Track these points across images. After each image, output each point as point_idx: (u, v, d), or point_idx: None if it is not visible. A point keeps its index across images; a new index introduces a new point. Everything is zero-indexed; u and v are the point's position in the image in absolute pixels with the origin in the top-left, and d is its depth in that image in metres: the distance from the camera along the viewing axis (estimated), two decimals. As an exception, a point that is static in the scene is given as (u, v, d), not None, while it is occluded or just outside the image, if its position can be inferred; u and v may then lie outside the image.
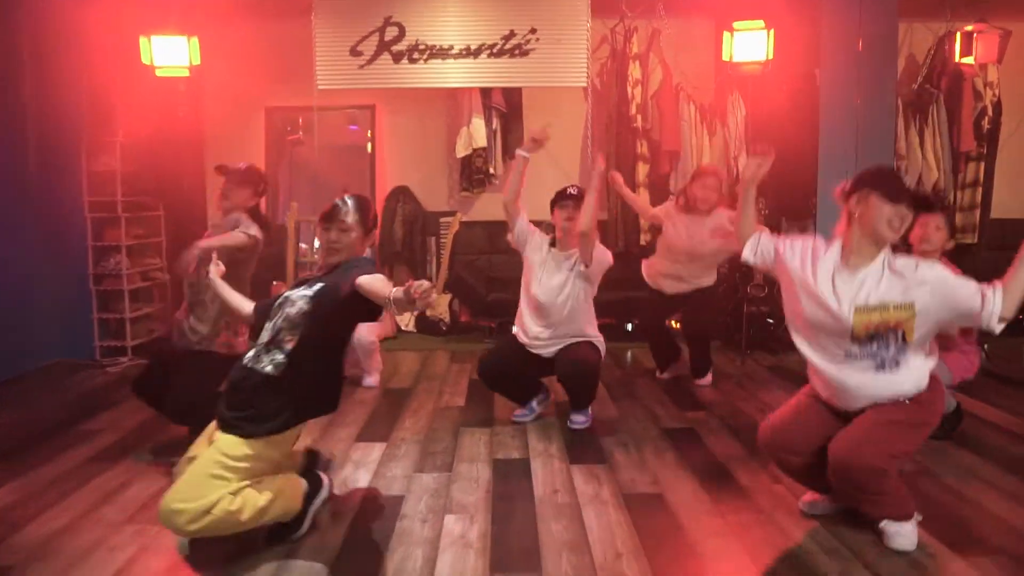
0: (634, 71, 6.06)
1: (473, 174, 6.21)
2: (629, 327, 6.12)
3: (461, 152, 6.14)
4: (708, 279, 4.72)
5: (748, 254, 2.78)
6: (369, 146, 8.08)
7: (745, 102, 6.07)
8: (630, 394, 4.53)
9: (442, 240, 6.49)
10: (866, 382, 2.51)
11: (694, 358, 4.77)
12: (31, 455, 3.52)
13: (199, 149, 6.32)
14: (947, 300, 2.40)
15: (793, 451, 2.68)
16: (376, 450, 3.56)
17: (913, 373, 2.52)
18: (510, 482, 3.17)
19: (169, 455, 3.50)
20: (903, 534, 2.52)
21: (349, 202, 2.71)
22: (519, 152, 3.87)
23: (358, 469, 3.32)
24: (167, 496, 2.35)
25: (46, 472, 3.32)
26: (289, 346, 2.52)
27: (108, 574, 2.40)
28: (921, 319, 2.43)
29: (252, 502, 2.42)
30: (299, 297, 2.59)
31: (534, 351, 3.90)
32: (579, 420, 3.88)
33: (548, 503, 2.94)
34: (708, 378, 4.74)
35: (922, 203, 2.71)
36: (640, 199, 5.44)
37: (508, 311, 4.50)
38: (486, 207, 6.42)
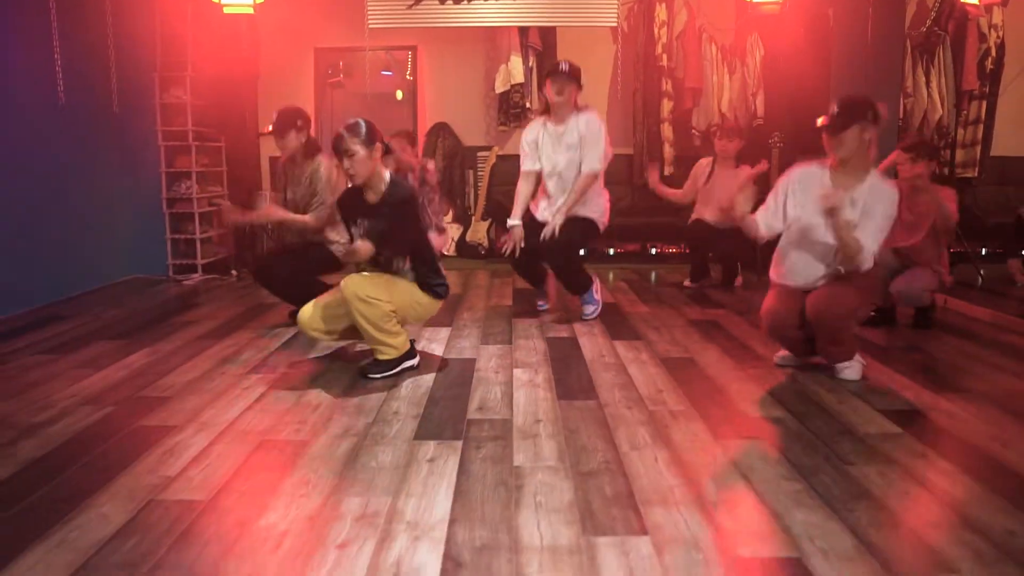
0: (660, 13, 6.51)
1: (511, 108, 6.70)
2: (653, 251, 6.67)
3: (500, 88, 6.62)
4: None
5: (764, 233, 3.35)
6: (399, 93, 8.58)
7: (763, 43, 6.52)
8: (657, 299, 5.09)
9: (479, 173, 7.00)
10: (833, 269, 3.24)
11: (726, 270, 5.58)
12: (148, 336, 4.11)
13: (255, 87, 6.82)
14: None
15: (787, 326, 3.30)
16: (443, 332, 4.14)
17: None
18: (563, 350, 3.74)
19: (265, 333, 4.11)
20: (851, 367, 3.25)
21: (343, 131, 3.24)
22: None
23: (431, 343, 3.90)
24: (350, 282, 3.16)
25: (167, 346, 3.91)
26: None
27: (246, 404, 2.99)
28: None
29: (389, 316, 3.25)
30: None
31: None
32: (587, 311, 4.39)
33: (597, 363, 3.51)
34: (739, 280, 5.55)
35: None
36: (676, 192, 5.71)
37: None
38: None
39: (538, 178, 4.41)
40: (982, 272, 5.94)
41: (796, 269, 3.29)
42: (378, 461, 2.41)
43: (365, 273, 3.31)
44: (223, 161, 6.57)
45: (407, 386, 3.19)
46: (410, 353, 3.40)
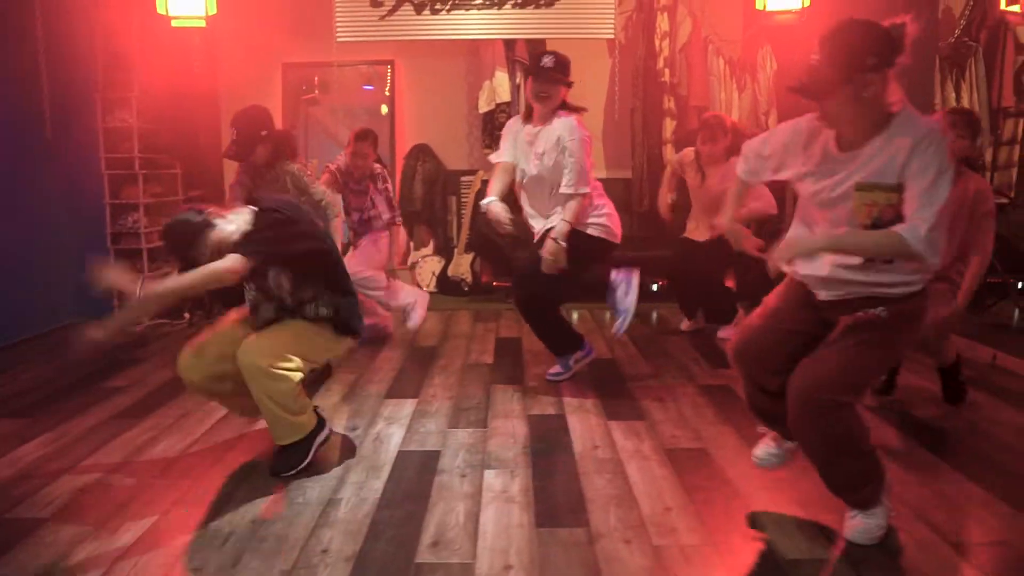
0: (662, 23, 5.88)
1: (495, 130, 6.04)
2: (654, 287, 6.01)
3: (484, 107, 5.99)
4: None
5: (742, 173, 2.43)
6: (384, 108, 7.97)
7: (776, 56, 5.89)
8: (662, 352, 4.44)
9: (463, 199, 6.36)
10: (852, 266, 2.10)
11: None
12: (59, 411, 3.46)
13: (215, 105, 6.20)
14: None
15: (765, 363, 2.27)
16: (407, 406, 3.48)
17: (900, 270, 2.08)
18: (548, 437, 3.09)
19: (195, 409, 3.46)
20: (865, 524, 2.18)
21: None
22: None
23: (391, 425, 3.24)
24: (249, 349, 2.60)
25: (75, 428, 3.26)
26: None
27: (136, 535, 2.33)
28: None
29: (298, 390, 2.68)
30: None
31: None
32: (552, 371, 3.81)
33: (589, 458, 2.85)
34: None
35: None
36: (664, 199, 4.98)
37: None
38: (508, 165, 6.29)
39: (514, 174, 3.75)
40: (1020, 308, 5.32)
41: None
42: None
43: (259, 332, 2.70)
44: (179, 189, 5.93)
45: (348, 499, 2.52)
46: (319, 425, 2.80)
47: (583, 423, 3.24)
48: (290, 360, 2.63)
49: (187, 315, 5.55)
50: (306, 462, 2.73)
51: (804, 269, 2.19)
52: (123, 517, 2.42)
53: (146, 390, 3.81)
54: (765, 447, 2.48)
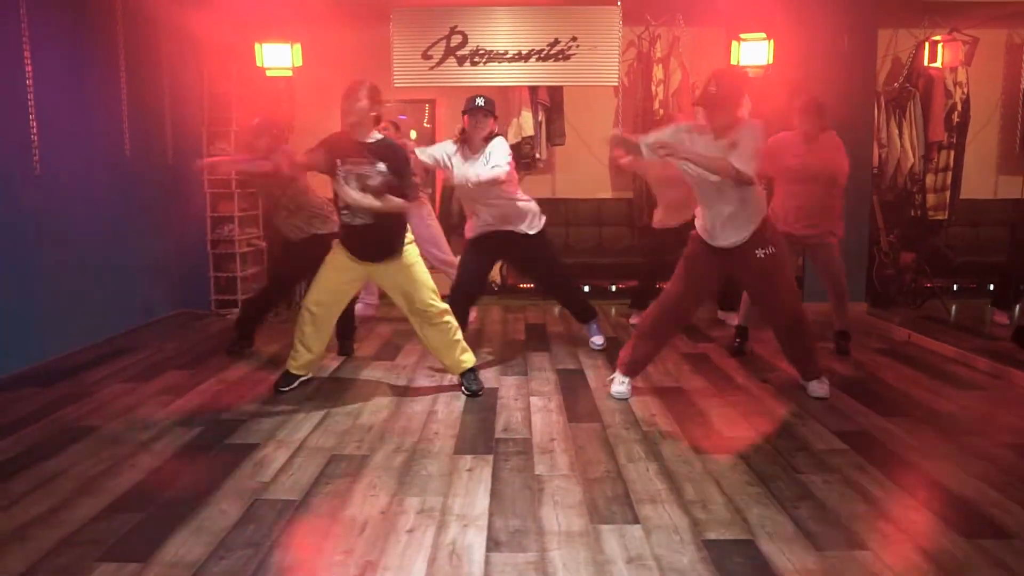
0: (657, 72, 7.22)
1: (521, 158, 7.39)
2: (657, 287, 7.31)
3: (512, 139, 7.31)
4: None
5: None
6: (413, 133, 9.31)
7: (751, 99, 7.21)
8: (654, 333, 5.73)
9: (493, 214, 7.66)
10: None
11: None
12: (211, 367, 4.75)
13: (289, 137, 7.51)
14: None
15: (681, 320, 4.21)
16: (467, 363, 4.78)
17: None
18: (571, 381, 4.38)
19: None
20: (822, 384, 4.01)
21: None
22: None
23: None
24: None
25: (230, 375, 4.55)
26: None
27: (311, 426, 3.62)
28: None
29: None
30: None
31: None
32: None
33: (601, 392, 4.15)
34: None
35: None
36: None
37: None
38: (531, 187, 7.57)
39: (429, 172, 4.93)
40: (954, 307, 6.59)
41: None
42: (428, 470, 3.05)
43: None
44: (259, 205, 7.24)
45: (442, 410, 3.83)
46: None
47: (596, 373, 4.54)
48: (435, 297, 4.06)
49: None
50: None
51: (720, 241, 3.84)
52: (297, 419, 3.71)
53: (268, 355, 5.09)
54: (621, 384, 4.04)
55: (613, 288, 7.39)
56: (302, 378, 4.21)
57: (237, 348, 5.13)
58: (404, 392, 4.18)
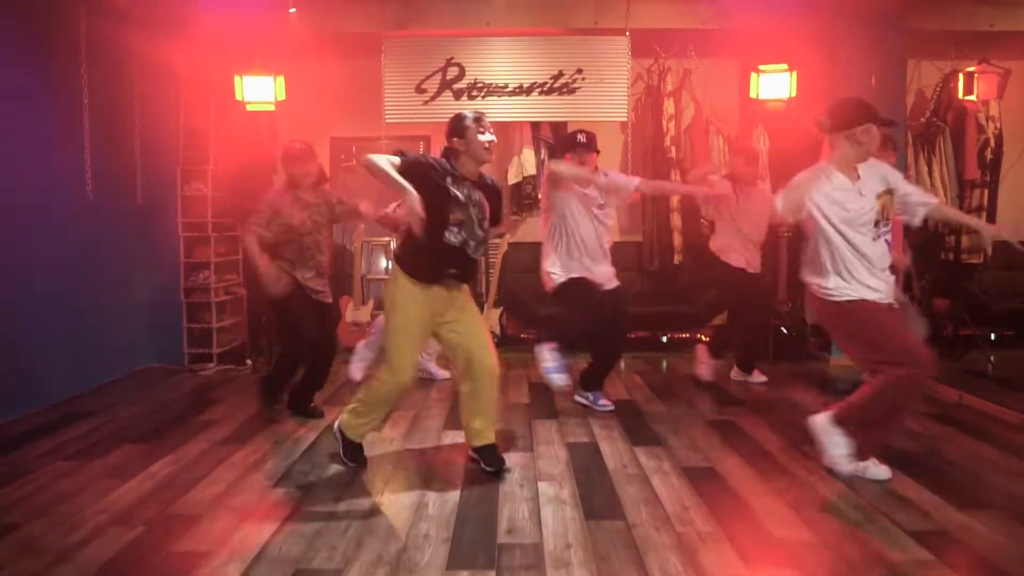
0: (668, 107, 6.72)
1: (523, 199, 6.86)
2: (664, 338, 6.74)
3: (512, 179, 6.79)
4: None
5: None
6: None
7: (769, 135, 6.71)
8: (672, 394, 5.13)
9: (491, 259, 7.11)
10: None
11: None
12: (170, 439, 4.14)
13: (270, 175, 6.99)
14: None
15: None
16: (462, 436, 4.16)
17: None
18: (584, 458, 3.77)
19: (284, 439, 4.14)
20: (879, 466, 3.42)
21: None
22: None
23: (454, 447, 3.93)
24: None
25: (190, 451, 3.94)
26: None
27: (275, 525, 3.01)
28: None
29: None
30: None
31: None
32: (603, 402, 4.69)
33: (620, 474, 3.54)
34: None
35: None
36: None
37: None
38: (533, 229, 7.05)
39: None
40: (992, 359, 6.01)
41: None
42: (414, 596, 2.43)
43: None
44: (239, 249, 6.68)
45: (434, 503, 3.21)
46: None
47: (612, 447, 3.93)
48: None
49: (249, 361, 6.25)
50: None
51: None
52: (260, 514, 3.10)
53: (237, 423, 4.48)
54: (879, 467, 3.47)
55: (623, 339, 6.80)
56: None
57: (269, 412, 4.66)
58: (390, 475, 3.57)
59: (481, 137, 3.38)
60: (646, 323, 6.71)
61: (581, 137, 4.57)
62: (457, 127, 3.42)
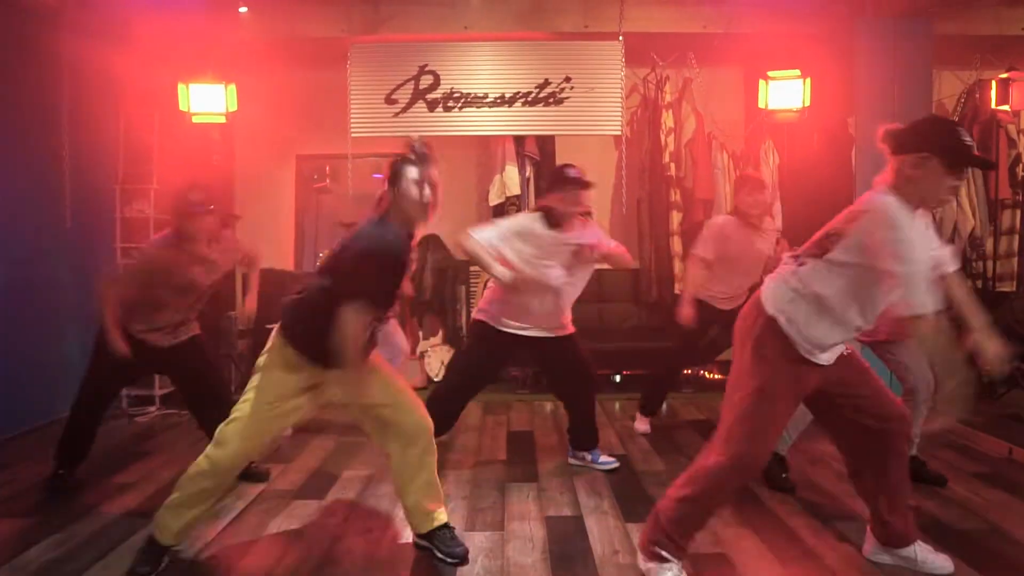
0: (667, 120, 6.07)
1: (506, 221, 6.17)
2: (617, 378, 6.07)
3: (494, 200, 6.12)
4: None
5: None
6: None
7: (778, 149, 6.06)
8: (675, 448, 4.41)
9: (472, 290, 6.43)
10: None
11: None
12: (65, 511, 3.41)
13: (230, 196, 6.34)
14: None
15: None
16: (422, 505, 3.44)
17: None
18: (566, 540, 3.04)
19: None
20: (942, 556, 2.72)
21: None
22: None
23: (406, 527, 3.20)
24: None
25: (84, 529, 3.21)
26: None
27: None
28: None
29: None
30: None
31: None
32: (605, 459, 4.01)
33: (609, 564, 2.81)
34: None
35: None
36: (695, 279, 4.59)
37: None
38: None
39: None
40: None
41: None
42: None
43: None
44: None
45: (367, 611, 2.48)
46: None
47: (600, 525, 3.20)
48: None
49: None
50: None
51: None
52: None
53: (155, 486, 3.76)
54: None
55: (618, 378, 6.09)
56: None
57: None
58: (325, 560, 2.84)
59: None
60: (643, 360, 5.99)
61: (571, 172, 3.73)
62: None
